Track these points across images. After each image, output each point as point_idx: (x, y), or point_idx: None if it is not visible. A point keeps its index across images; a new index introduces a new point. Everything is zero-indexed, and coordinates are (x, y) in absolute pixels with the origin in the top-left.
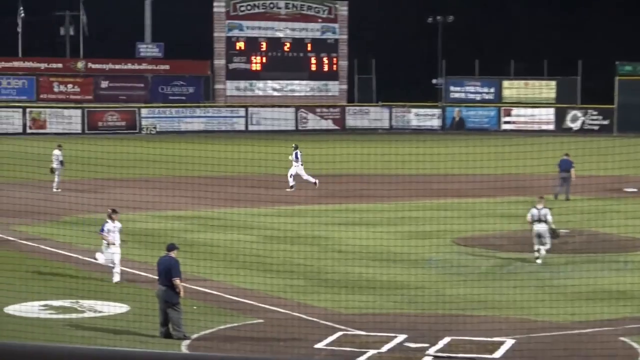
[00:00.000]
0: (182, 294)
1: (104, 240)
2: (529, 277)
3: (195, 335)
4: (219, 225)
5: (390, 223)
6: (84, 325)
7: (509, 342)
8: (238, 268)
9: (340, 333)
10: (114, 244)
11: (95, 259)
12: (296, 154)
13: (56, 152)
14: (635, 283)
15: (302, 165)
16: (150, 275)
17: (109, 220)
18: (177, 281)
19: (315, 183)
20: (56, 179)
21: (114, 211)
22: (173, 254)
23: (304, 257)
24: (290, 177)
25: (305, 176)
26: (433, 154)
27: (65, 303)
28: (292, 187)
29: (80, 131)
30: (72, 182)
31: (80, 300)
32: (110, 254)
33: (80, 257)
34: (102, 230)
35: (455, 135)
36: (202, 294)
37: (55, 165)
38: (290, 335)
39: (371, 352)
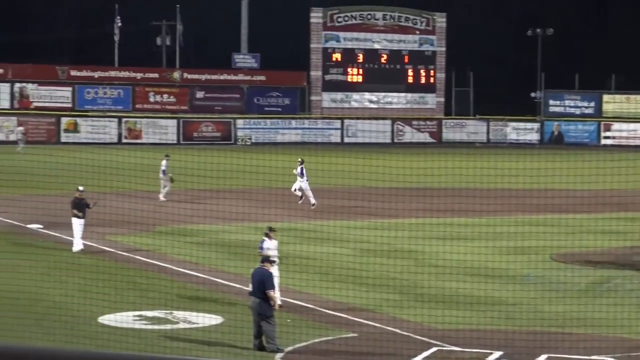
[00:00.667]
0: (276, 306)
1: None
2: (629, 294)
3: (289, 349)
4: (314, 237)
5: (487, 238)
6: (178, 336)
7: None
8: (333, 281)
9: (435, 349)
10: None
11: None
12: (301, 169)
13: (164, 162)
14: None
15: (307, 180)
16: (244, 287)
17: (265, 238)
18: (270, 293)
19: (313, 204)
20: (163, 189)
21: (270, 229)
22: (267, 266)
23: (400, 271)
24: (294, 190)
25: (308, 192)
26: (532, 168)
27: (159, 314)
28: (301, 197)
29: (175, 141)
30: (157, 192)
31: (174, 312)
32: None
33: (174, 267)
34: (261, 248)
35: (553, 150)
36: (297, 306)
37: (161, 175)
38: (384, 350)
39: None
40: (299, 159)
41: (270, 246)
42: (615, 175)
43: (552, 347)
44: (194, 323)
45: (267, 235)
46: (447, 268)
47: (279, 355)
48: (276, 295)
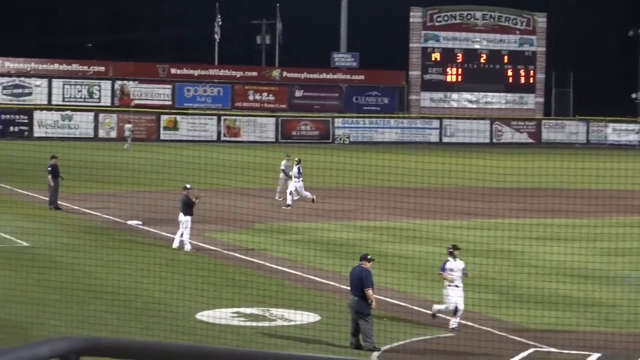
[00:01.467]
0: (373, 304)
1: (445, 281)
2: None
3: (385, 347)
4: (412, 237)
5: (587, 239)
6: (275, 333)
7: None
8: (430, 280)
9: (532, 349)
10: (455, 285)
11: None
12: (299, 168)
13: (284, 162)
14: None
15: (302, 180)
16: (340, 285)
17: (450, 259)
18: (369, 292)
19: (313, 200)
20: (280, 187)
21: (455, 247)
22: (365, 264)
23: (499, 271)
24: (290, 194)
25: (304, 193)
26: (633, 169)
27: (257, 311)
28: (289, 205)
29: (274, 140)
30: (264, 190)
31: (271, 309)
32: (450, 297)
33: (272, 265)
34: (443, 269)
35: None
36: (394, 305)
37: (281, 175)
38: (481, 350)
39: None
40: (296, 158)
41: (454, 267)
42: None
43: None
44: (291, 320)
45: (451, 254)
46: (546, 269)
47: (375, 354)
48: (455, 318)
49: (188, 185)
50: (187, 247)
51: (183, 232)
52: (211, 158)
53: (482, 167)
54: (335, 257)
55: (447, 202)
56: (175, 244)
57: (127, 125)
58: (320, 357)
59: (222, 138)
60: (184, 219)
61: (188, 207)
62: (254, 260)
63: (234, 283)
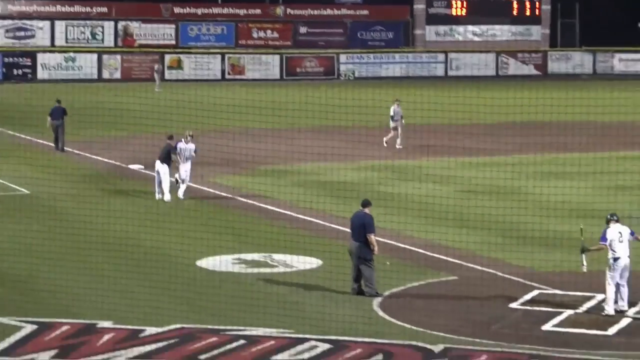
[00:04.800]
0: (376, 250)
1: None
2: None
3: (387, 293)
4: (415, 178)
5: (593, 177)
6: (277, 280)
7: None
8: (433, 223)
9: (536, 292)
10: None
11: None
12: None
13: (394, 107)
14: None
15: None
16: (344, 229)
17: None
18: (371, 237)
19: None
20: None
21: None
22: (367, 210)
23: (502, 213)
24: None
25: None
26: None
27: (258, 257)
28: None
29: (278, 77)
30: (265, 130)
31: (272, 255)
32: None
33: (274, 209)
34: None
35: None
36: (396, 249)
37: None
38: (484, 294)
39: (568, 312)
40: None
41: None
42: None
43: None
44: (292, 266)
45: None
46: (550, 209)
47: (377, 300)
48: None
49: (172, 135)
50: (167, 197)
51: (162, 181)
52: (214, 97)
53: (487, 100)
54: (338, 201)
55: (447, 141)
56: (160, 195)
57: (156, 66)
58: None
59: (227, 77)
60: (162, 168)
61: (168, 157)
62: (256, 204)
63: (235, 229)
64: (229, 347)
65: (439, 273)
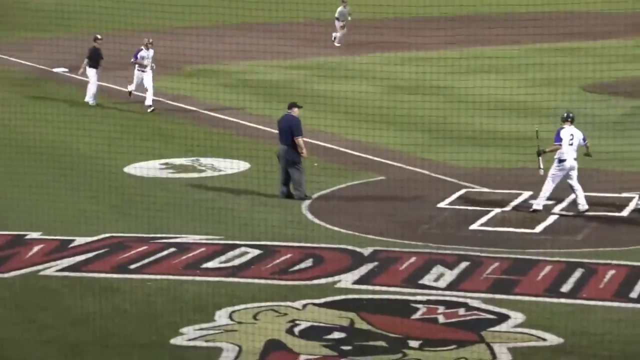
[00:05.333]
0: (304, 153)
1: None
2: None
3: (316, 195)
4: (342, 75)
5: (517, 70)
6: (205, 185)
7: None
8: (360, 121)
9: (464, 190)
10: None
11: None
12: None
13: (341, 8)
14: None
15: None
16: (271, 130)
17: (143, 48)
18: (299, 140)
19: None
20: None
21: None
22: (294, 112)
23: (429, 108)
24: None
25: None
26: None
27: (186, 161)
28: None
29: None
30: (190, 29)
31: (200, 158)
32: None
33: (200, 110)
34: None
35: None
36: (323, 149)
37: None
38: (412, 193)
39: (495, 210)
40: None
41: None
42: None
43: (583, 185)
44: (220, 170)
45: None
46: (476, 104)
47: (306, 202)
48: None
49: (99, 36)
50: (92, 101)
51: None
52: None
53: None
54: (265, 100)
55: (374, 35)
56: (90, 99)
57: None
58: None
59: None
60: (91, 72)
61: (96, 60)
62: (182, 106)
63: (162, 133)
64: (159, 255)
65: (366, 173)
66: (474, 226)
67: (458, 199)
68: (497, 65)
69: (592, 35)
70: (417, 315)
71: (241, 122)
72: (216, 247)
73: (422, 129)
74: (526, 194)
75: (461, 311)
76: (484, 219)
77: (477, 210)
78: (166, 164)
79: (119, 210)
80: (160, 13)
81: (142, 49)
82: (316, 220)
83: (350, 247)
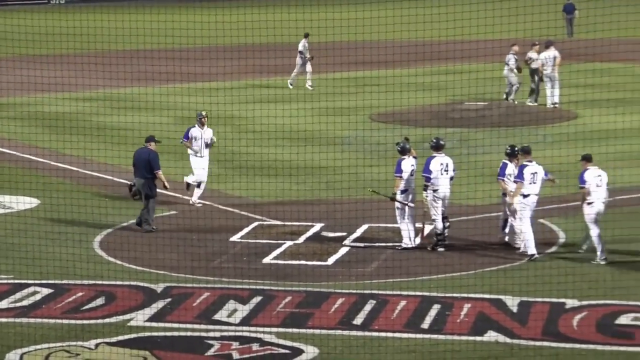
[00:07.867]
0: (167, 185)
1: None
2: (450, 152)
3: (105, 232)
4: (130, 107)
5: (305, 100)
6: None
7: (428, 227)
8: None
9: (256, 223)
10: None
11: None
12: None
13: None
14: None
15: None
16: (57, 164)
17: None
18: (159, 174)
19: None
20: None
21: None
22: (151, 145)
23: (217, 138)
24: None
25: None
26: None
27: None
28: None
29: None
30: None
31: None
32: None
33: None
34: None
35: None
36: (118, 184)
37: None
38: (204, 227)
39: (288, 243)
40: None
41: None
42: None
43: (374, 217)
44: (10, 207)
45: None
46: (265, 133)
47: (97, 238)
48: None
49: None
50: None
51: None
52: None
53: (197, 24)
54: (52, 132)
55: (165, 67)
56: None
57: None
58: None
59: None
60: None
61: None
62: None
63: None
64: None
65: (158, 208)
66: (266, 259)
67: (250, 231)
68: (284, 95)
69: (376, 65)
70: (211, 352)
71: (28, 156)
72: (5, 286)
73: (212, 159)
74: (318, 226)
75: (255, 346)
76: (276, 252)
77: (269, 243)
78: None
79: None
80: None
81: (194, 126)
82: (106, 257)
83: (142, 284)
